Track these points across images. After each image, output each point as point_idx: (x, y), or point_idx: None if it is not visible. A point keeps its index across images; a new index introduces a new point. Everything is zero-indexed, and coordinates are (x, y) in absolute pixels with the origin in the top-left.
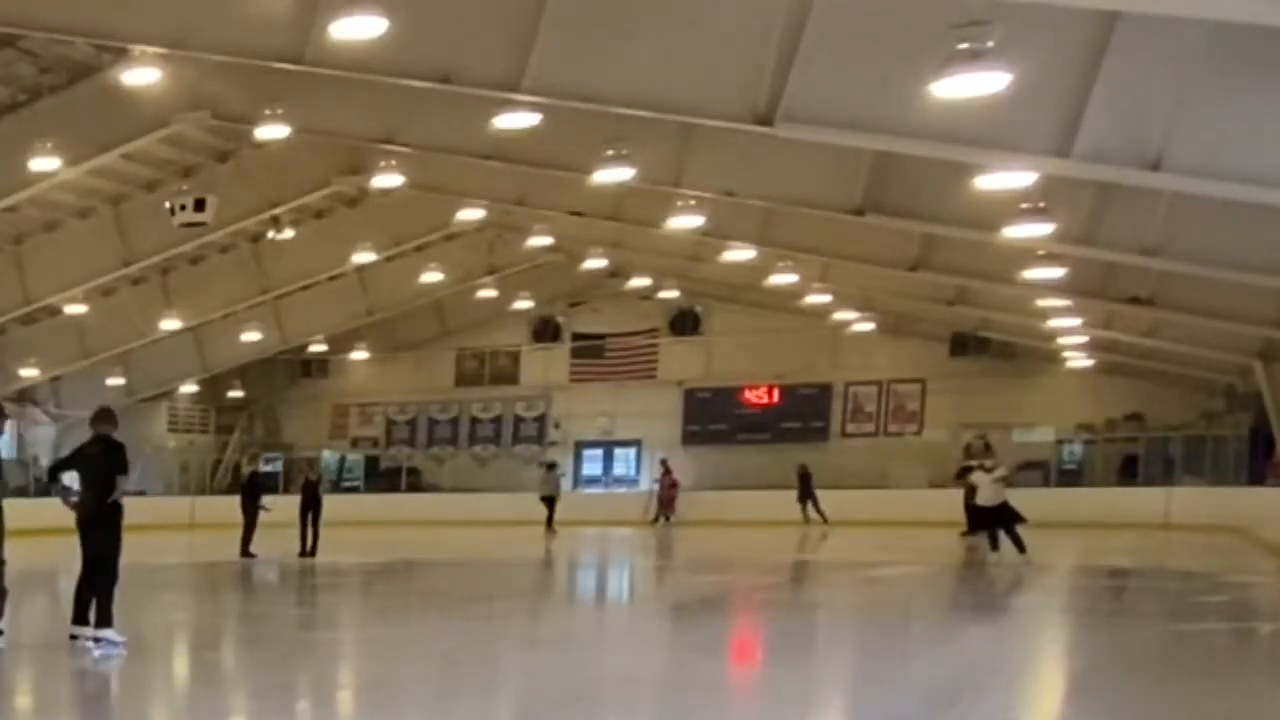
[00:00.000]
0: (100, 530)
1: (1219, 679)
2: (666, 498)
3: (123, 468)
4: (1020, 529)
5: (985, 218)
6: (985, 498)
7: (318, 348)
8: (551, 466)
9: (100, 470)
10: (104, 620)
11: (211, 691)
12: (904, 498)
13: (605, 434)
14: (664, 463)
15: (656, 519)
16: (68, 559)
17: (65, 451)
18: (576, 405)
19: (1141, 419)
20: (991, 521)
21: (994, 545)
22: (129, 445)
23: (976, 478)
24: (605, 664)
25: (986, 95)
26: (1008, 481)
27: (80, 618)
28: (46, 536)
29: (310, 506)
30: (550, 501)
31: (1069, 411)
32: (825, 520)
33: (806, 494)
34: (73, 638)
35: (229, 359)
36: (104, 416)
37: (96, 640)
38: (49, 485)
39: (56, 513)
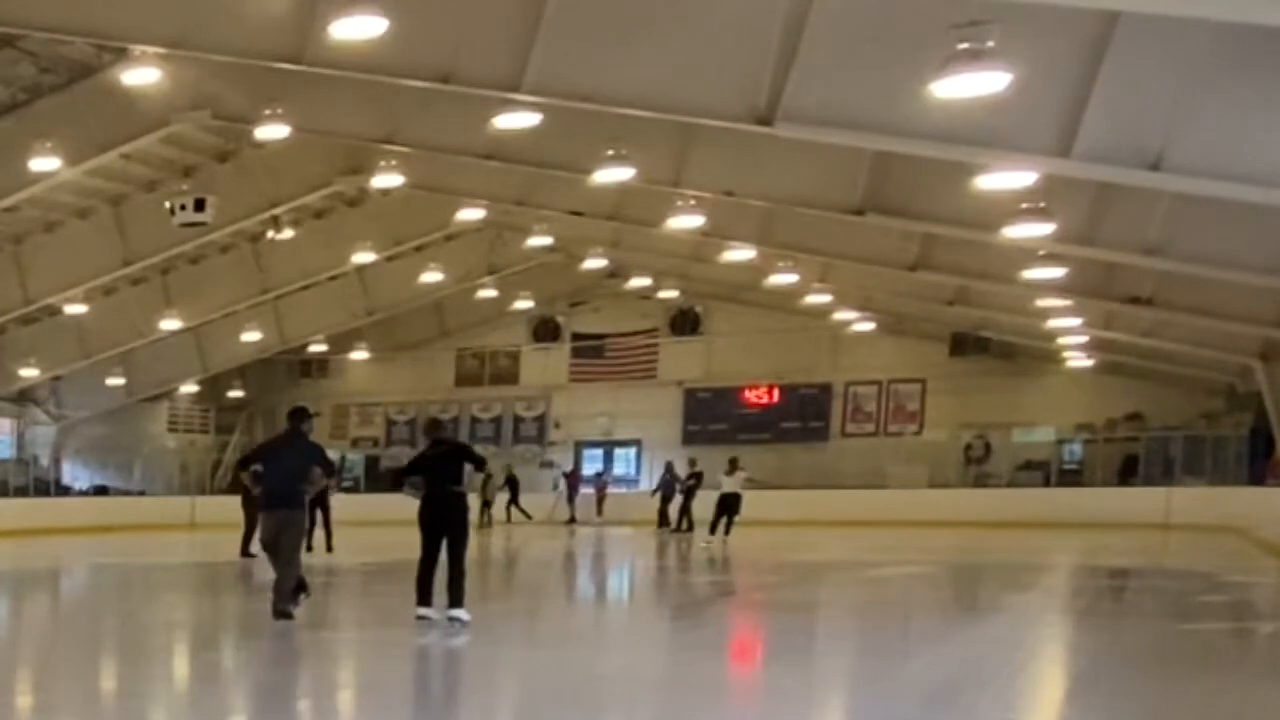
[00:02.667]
0: (453, 520)
1: (1219, 678)
2: (600, 497)
3: (475, 462)
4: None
5: (985, 218)
6: (727, 487)
7: (318, 348)
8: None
9: (452, 469)
10: (457, 601)
11: (211, 691)
12: (904, 498)
13: (605, 434)
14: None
15: (573, 519)
16: (73, 556)
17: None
18: (576, 405)
19: (1141, 419)
20: (725, 509)
21: (725, 529)
22: (128, 446)
23: (724, 479)
24: (605, 664)
25: (986, 95)
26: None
27: (424, 600)
28: (46, 536)
29: (317, 503)
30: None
31: (1069, 411)
32: (524, 518)
33: (515, 497)
34: (419, 618)
35: (229, 359)
36: (436, 425)
37: (451, 620)
38: (398, 488)
39: (55, 513)
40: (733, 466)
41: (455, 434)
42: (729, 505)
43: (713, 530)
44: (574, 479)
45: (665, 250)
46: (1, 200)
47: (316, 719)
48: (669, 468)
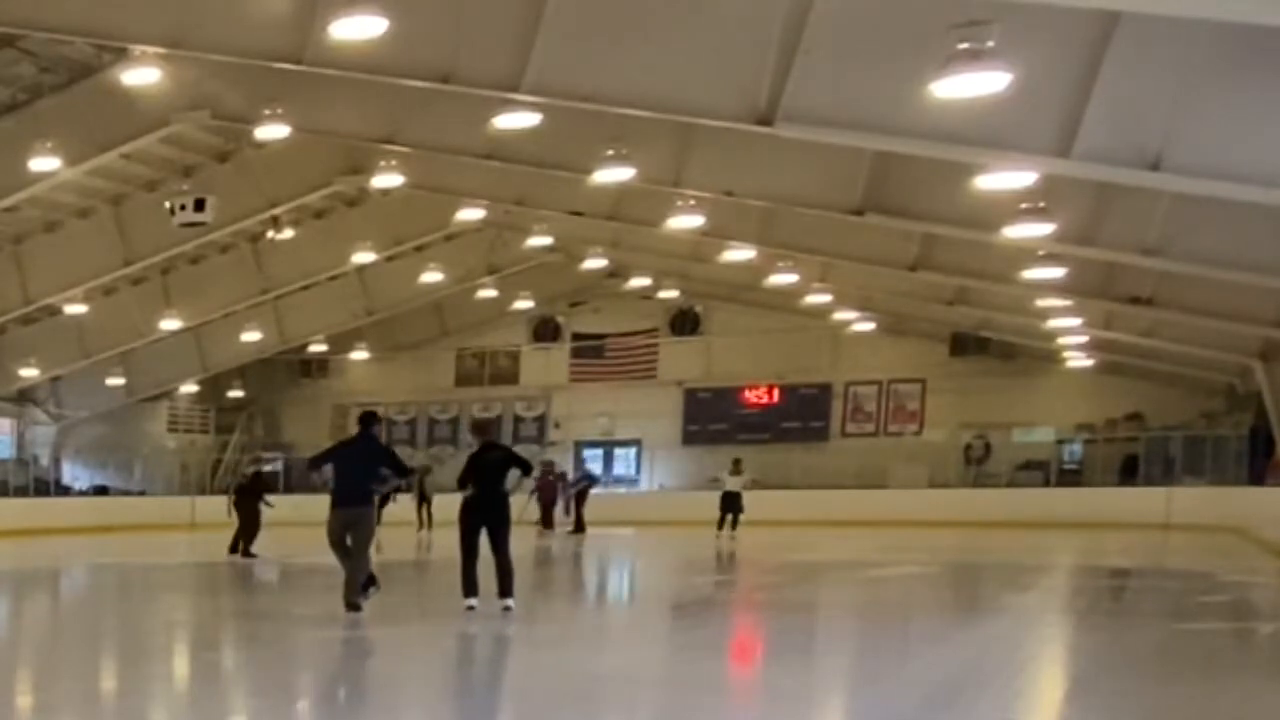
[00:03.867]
0: (499, 518)
1: (1219, 679)
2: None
3: (523, 467)
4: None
5: (985, 218)
6: (729, 486)
7: (318, 348)
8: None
9: (495, 468)
10: (508, 591)
11: (211, 691)
12: (904, 498)
13: (605, 434)
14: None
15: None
16: (73, 556)
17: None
18: (576, 405)
19: (1141, 419)
20: (732, 506)
21: (732, 526)
22: (128, 445)
23: (728, 478)
24: (605, 664)
25: (986, 95)
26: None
27: (471, 592)
28: (46, 536)
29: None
30: None
31: (1069, 411)
32: (428, 526)
33: (423, 497)
34: (468, 609)
35: (229, 359)
36: (485, 427)
37: (505, 609)
38: (462, 488)
39: (55, 513)
40: (736, 467)
41: (456, 435)
42: (731, 503)
43: (720, 526)
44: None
45: (665, 250)
46: (1, 200)
47: (315, 718)
48: (550, 468)
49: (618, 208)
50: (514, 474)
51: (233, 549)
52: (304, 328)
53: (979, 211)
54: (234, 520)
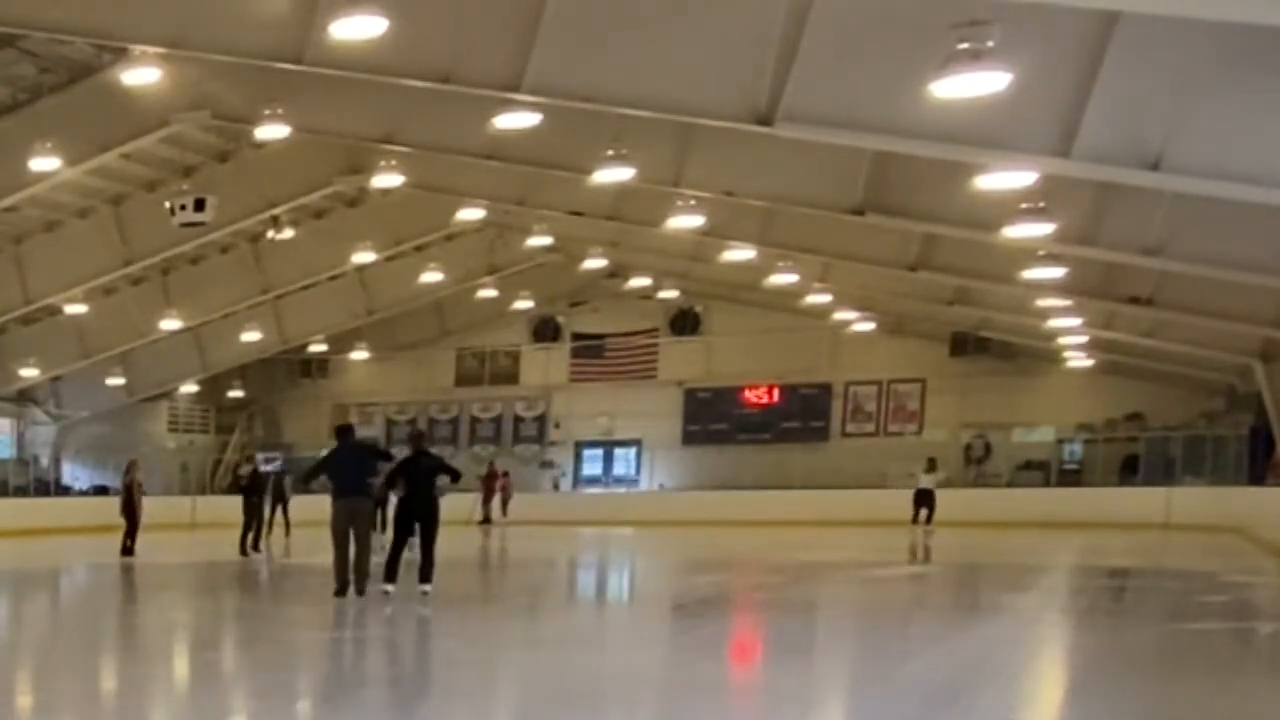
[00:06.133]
0: (430, 516)
1: (1219, 679)
2: (505, 498)
3: (449, 472)
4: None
5: (985, 218)
6: (923, 484)
7: (318, 348)
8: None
9: (427, 473)
10: (428, 578)
11: (211, 691)
12: (904, 498)
13: (605, 434)
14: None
15: (487, 520)
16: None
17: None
18: (576, 405)
19: (1141, 419)
20: (926, 503)
21: (926, 521)
22: (129, 445)
23: (922, 476)
24: (605, 664)
25: (986, 95)
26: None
27: (392, 579)
28: (46, 536)
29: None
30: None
31: (1069, 411)
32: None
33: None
34: (385, 592)
35: (229, 359)
36: (419, 437)
37: (424, 593)
38: (386, 488)
39: (55, 513)
40: (931, 466)
41: (455, 434)
42: (925, 500)
43: (914, 521)
44: (490, 480)
45: (665, 250)
46: (1, 200)
47: (311, 717)
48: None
49: (618, 208)
50: (443, 478)
51: (123, 551)
52: (304, 328)
53: (979, 211)
54: (134, 517)
